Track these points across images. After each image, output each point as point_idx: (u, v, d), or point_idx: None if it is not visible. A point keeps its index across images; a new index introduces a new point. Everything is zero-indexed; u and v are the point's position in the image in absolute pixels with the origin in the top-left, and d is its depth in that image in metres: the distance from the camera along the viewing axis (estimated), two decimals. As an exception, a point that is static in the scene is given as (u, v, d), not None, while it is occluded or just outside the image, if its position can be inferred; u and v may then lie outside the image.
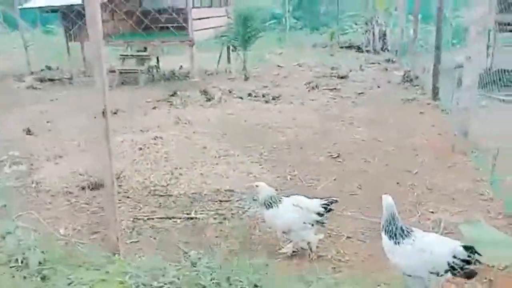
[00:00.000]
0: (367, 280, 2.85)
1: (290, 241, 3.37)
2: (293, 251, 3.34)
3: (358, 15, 19.67)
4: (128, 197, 4.61)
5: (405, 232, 2.72)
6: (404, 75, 10.46)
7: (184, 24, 10.86)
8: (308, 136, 6.59)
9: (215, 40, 12.90)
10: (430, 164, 5.32)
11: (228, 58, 13.09)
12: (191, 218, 4.13)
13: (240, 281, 2.28)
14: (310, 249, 3.23)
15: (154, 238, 3.73)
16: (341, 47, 17.56)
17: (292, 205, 3.18)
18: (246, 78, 11.47)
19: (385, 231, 2.79)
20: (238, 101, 9.03)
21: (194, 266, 2.59)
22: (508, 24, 10.03)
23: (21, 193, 4.74)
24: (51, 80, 11.44)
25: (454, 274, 2.58)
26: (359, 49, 17.43)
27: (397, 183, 4.86)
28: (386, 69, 12.68)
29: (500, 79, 7.60)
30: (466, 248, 2.55)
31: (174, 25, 10.87)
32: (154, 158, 5.50)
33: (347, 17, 20.56)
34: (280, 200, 3.24)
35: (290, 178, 5.05)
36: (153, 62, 12.07)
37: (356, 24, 20.47)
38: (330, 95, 9.33)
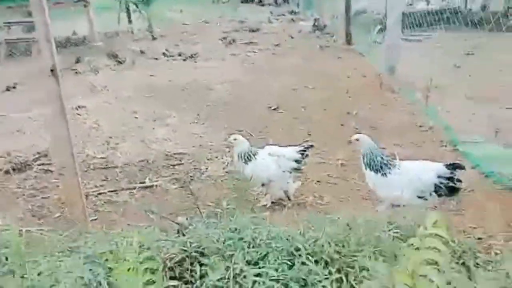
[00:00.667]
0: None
1: (266, 194, 3.26)
2: (272, 202, 3.24)
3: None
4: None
5: (389, 163, 2.76)
6: (314, 23, 10.62)
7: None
8: (240, 91, 6.41)
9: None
10: (365, 104, 5.51)
11: (129, 18, 12.10)
12: (148, 187, 3.79)
13: (255, 237, 2.12)
14: (288, 198, 3.16)
15: (115, 212, 3.35)
16: (242, 2, 17.27)
17: (269, 156, 3.04)
18: (154, 38, 10.76)
19: (369, 166, 2.80)
20: (154, 62, 8.44)
21: (184, 234, 2.35)
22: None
23: None
24: None
25: (439, 195, 2.70)
26: (260, 2, 17.35)
27: (341, 125, 4.97)
28: (293, 20, 12.81)
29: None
30: (448, 166, 2.67)
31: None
32: (83, 130, 4.92)
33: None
34: (256, 152, 3.08)
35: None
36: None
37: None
38: (248, 48, 9.15)
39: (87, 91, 6.68)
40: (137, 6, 10.94)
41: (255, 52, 8.87)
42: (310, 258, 1.81)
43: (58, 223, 3.19)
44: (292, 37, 10.17)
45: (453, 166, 2.68)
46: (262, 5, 16.82)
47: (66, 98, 6.12)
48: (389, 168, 2.75)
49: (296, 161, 3.05)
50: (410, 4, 12.41)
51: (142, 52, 8.94)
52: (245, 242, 2.06)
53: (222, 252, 1.96)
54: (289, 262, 1.84)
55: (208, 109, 5.72)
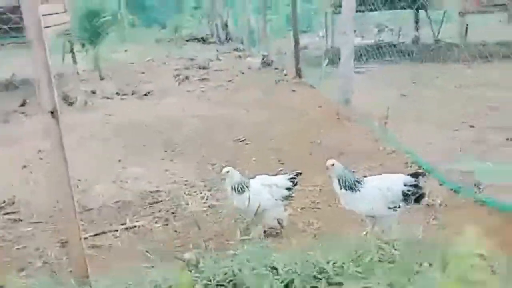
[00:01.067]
0: (348, 236, 2.98)
1: (257, 224, 3.30)
2: (263, 231, 3.28)
3: (197, 8, 19.92)
4: (38, 222, 3.84)
5: (359, 181, 2.99)
6: (263, 59, 11.01)
7: (20, 24, 9.37)
8: (204, 126, 6.46)
9: (56, 39, 11.47)
10: (327, 133, 5.77)
11: (73, 58, 11.83)
12: (130, 228, 3.68)
13: (270, 266, 2.14)
14: (281, 226, 3.22)
15: (103, 257, 3.21)
16: (187, 40, 17.54)
17: (261, 185, 3.11)
18: (102, 78, 10.58)
19: (343, 186, 2.99)
20: (107, 101, 8.29)
21: (195, 268, 2.33)
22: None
23: None
24: None
25: (407, 203, 2.95)
26: (204, 41, 17.69)
27: (310, 154, 5.16)
28: (240, 57, 13.20)
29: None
30: (412, 175, 3.03)
31: (9, 25, 9.29)
32: (47, 174, 4.69)
33: (184, 10, 20.63)
34: (248, 183, 3.13)
35: (212, 168, 4.90)
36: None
37: (191, 16, 20.76)
38: (201, 85, 9.27)
39: (41, 134, 6.39)
40: (83, 46, 10.75)
41: (209, 88, 9.00)
42: (337, 278, 1.88)
43: (42, 273, 3.01)
44: (243, 73, 10.46)
45: (416, 175, 3.05)
46: (207, 43, 17.17)
47: (22, 141, 5.96)
48: (361, 184, 2.96)
49: (288, 188, 3.14)
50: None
51: (93, 92, 8.75)
52: (266, 270, 2.10)
53: (249, 284, 1.97)
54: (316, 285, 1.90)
55: (175, 145, 5.70)
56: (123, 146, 5.63)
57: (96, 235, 3.56)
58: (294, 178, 3.18)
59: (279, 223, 3.20)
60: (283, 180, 3.15)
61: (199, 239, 3.21)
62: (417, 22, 12.30)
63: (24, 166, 4.88)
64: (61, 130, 2.49)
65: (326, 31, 12.42)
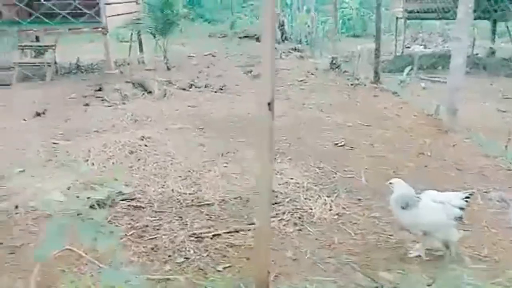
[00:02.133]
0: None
1: (418, 242, 3.03)
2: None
3: (251, 5, 19.76)
4: (158, 211, 3.67)
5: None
6: (332, 62, 10.71)
7: (95, 10, 9.36)
8: (291, 125, 6.22)
9: (126, 28, 11.50)
10: (434, 144, 5.44)
11: (140, 47, 11.83)
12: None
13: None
14: (448, 248, 2.92)
15: (247, 258, 3.00)
16: (239, 37, 17.40)
17: (433, 202, 2.84)
18: (168, 69, 10.52)
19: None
20: (185, 93, 8.17)
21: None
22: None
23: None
24: None
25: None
26: (257, 39, 17.49)
27: (426, 166, 4.83)
28: (301, 57, 12.94)
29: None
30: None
31: (84, 11, 9.31)
32: (154, 162, 4.55)
33: (240, 7, 20.53)
34: (418, 198, 2.87)
35: (321, 172, 4.64)
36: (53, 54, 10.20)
37: (245, 15, 20.61)
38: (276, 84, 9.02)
39: (129, 121, 6.31)
40: (154, 36, 10.69)
41: (282, 87, 8.77)
42: None
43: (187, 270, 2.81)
44: (312, 74, 10.19)
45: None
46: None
47: (108, 128, 5.86)
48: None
49: (461, 208, 2.86)
50: (408, 47, 12.88)
51: (169, 82, 8.65)
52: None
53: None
54: None
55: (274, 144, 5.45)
56: (218, 140, 5.44)
57: (229, 232, 3.35)
58: (468, 197, 2.90)
59: (446, 246, 2.91)
60: (457, 199, 2.86)
61: (347, 249, 2.96)
62: (493, 33, 11.79)
63: (131, 152, 4.72)
64: (273, 123, 2.24)
65: (395, 36, 12.05)
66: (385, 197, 3.33)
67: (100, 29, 9.63)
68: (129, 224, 3.46)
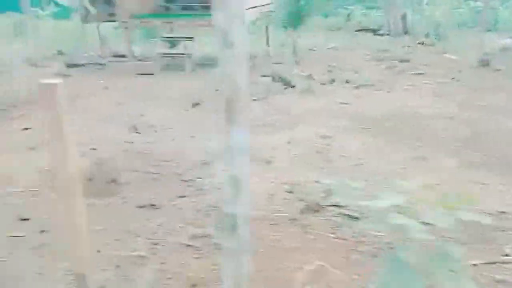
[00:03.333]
0: None
1: None
2: None
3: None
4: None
5: None
6: (483, 58, 9.63)
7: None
8: (465, 128, 5.52)
9: (256, 21, 11.43)
10: None
11: (267, 40, 11.69)
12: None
13: None
14: None
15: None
16: (356, 31, 16.67)
17: None
18: (297, 62, 10.23)
19: None
20: (327, 88, 7.79)
21: None
22: None
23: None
24: (75, 65, 9.46)
25: None
26: (374, 31, 16.64)
27: None
28: (434, 52, 11.93)
29: None
30: None
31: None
32: (349, 165, 4.19)
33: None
34: None
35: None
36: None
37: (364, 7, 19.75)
38: (424, 81, 8.30)
39: (287, 117, 6.07)
40: (285, 29, 10.47)
41: (431, 84, 8.01)
42: None
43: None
44: (460, 71, 9.24)
45: None
46: (381, 34, 16.09)
47: (272, 124, 5.64)
48: None
49: None
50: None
51: (311, 77, 8.34)
52: None
53: None
54: None
55: (454, 148, 4.87)
56: (390, 142, 4.96)
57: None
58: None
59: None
60: None
61: None
62: None
63: (317, 152, 4.43)
64: None
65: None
66: None
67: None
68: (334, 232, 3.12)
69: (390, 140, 5.09)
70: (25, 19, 10.67)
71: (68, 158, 1.95)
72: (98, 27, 10.56)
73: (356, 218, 3.30)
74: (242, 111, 1.71)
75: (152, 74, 9.09)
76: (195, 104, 6.78)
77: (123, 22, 9.91)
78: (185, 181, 4.10)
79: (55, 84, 1.88)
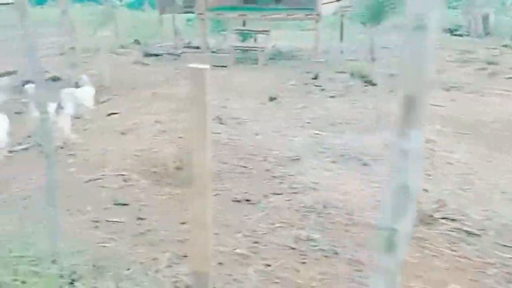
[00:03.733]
0: None
1: None
2: None
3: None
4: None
5: None
6: None
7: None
8: None
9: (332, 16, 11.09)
10: None
11: (341, 35, 11.31)
12: None
13: None
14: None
15: None
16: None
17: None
18: (373, 59, 9.76)
19: None
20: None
21: None
22: None
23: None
24: (155, 55, 9.60)
25: None
26: (451, 32, 15.69)
27: None
28: (524, 56, 10.99)
29: None
30: None
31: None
32: (456, 174, 3.82)
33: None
34: None
35: None
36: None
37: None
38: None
39: (371, 116, 5.73)
40: (363, 25, 10.03)
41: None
42: None
43: None
44: None
45: None
46: (458, 35, 15.15)
47: (356, 121, 5.29)
48: None
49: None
50: None
51: (391, 75, 7.89)
52: None
53: None
54: None
55: None
56: (492, 148, 4.50)
57: None
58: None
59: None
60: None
61: None
62: None
63: (427, 157, 4.09)
64: None
65: None
66: None
67: (314, 16, 9.30)
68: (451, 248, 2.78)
69: (493, 147, 4.62)
70: (107, 9, 10.98)
71: (207, 148, 1.80)
72: (173, 18, 10.68)
73: (477, 235, 2.95)
74: (422, 110, 1.46)
75: (226, 66, 9.03)
76: (272, 98, 6.61)
77: (199, 14, 9.93)
78: (275, 177, 3.91)
79: (205, 69, 1.74)
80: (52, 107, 4.81)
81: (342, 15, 10.81)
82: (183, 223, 3.09)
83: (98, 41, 8.18)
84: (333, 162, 4.11)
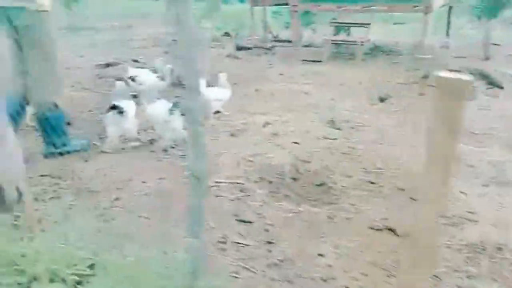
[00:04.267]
0: None
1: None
2: None
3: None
4: None
5: None
6: None
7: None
8: None
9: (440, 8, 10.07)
10: None
11: (447, 31, 10.25)
12: None
13: None
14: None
15: None
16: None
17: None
18: (487, 58, 8.69)
19: None
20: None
21: None
22: None
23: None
24: (243, 48, 9.29)
25: None
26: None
27: None
28: None
29: None
30: None
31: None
32: None
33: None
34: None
35: None
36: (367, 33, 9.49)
37: None
38: None
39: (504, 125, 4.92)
40: (479, 18, 8.95)
41: None
42: None
43: None
44: None
45: None
46: None
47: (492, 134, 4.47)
48: None
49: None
50: None
51: (517, 76, 6.92)
52: None
53: None
54: None
55: None
56: None
57: None
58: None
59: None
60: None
61: None
62: None
63: None
64: None
65: None
66: None
67: (422, 7, 8.40)
68: None
69: None
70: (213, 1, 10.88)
71: (447, 183, 1.31)
72: (265, 11, 10.27)
73: None
74: None
75: (320, 61, 8.47)
76: (383, 99, 5.96)
77: (293, 6, 9.41)
78: (414, 199, 3.33)
79: (468, 82, 1.26)
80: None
81: (450, 7, 9.76)
82: (320, 255, 2.63)
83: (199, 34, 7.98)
84: (485, 185, 3.43)
